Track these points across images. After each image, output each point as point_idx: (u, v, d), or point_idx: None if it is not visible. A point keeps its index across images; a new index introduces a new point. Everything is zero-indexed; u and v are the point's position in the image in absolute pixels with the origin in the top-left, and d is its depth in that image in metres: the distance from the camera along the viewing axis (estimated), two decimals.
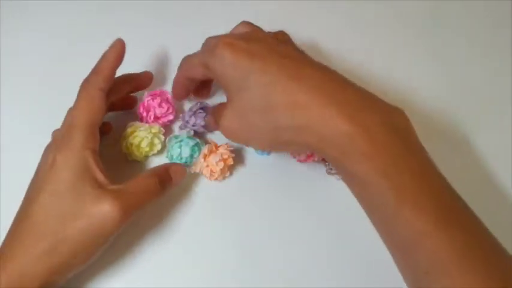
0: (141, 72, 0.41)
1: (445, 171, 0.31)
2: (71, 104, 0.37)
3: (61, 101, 0.37)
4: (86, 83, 0.36)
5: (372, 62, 0.46)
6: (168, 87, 0.43)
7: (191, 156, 0.39)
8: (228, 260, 0.37)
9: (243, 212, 0.39)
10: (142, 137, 0.38)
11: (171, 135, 0.40)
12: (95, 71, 0.36)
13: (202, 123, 0.40)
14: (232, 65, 0.32)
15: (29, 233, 0.31)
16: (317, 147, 0.31)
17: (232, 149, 0.39)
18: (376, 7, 0.50)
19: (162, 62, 0.42)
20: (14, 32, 0.47)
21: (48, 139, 0.35)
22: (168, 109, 0.40)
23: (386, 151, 0.29)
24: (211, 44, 0.34)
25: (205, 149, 0.39)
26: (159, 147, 0.39)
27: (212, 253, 0.37)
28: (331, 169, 0.40)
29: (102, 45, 0.46)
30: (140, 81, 0.41)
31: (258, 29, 0.37)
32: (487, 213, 0.31)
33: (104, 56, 0.37)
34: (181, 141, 0.39)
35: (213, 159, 0.38)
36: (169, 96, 0.41)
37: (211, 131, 0.41)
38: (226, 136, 0.35)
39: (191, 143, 0.39)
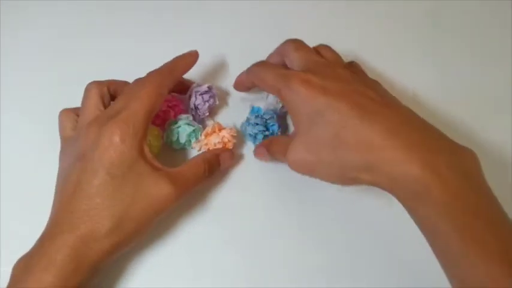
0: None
1: None
2: (71, 104, 0.37)
3: (61, 101, 0.37)
4: (160, 77, 0.36)
5: (371, 62, 0.46)
6: None
7: (189, 141, 0.40)
8: (224, 261, 0.37)
9: (243, 212, 0.39)
10: None
11: (170, 120, 0.40)
12: (171, 70, 0.37)
13: (207, 108, 0.40)
14: (306, 101, 0.33)
15: (88, 212, 0.31)
16: (387, 188, 0.31)
17: (235, 134, 0.39)
18: (376, 7, 0.50)
19: (163, 63, 0.42)
20: (14, 32, 0.47)
21: (47, 139, 0.35)
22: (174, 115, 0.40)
23: (458, 199, 0.29)
24: (287, 73, 0.35)
25: (208, 128, 0.39)
26: (155, 150, 0.39)
27: (206, 254, 0.38)
28: None
29: (102, 45, 0.46)
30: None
31: (337, 60, 0.38)
32: None
33: (182, 59, 0.38)
34: (179, 127, 0.39)
35: (213, 139, 0.39)
36: (178, 101, 0.41)
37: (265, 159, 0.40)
38: (294, 168, 0.35)
39: (188, 129, 0.39)
